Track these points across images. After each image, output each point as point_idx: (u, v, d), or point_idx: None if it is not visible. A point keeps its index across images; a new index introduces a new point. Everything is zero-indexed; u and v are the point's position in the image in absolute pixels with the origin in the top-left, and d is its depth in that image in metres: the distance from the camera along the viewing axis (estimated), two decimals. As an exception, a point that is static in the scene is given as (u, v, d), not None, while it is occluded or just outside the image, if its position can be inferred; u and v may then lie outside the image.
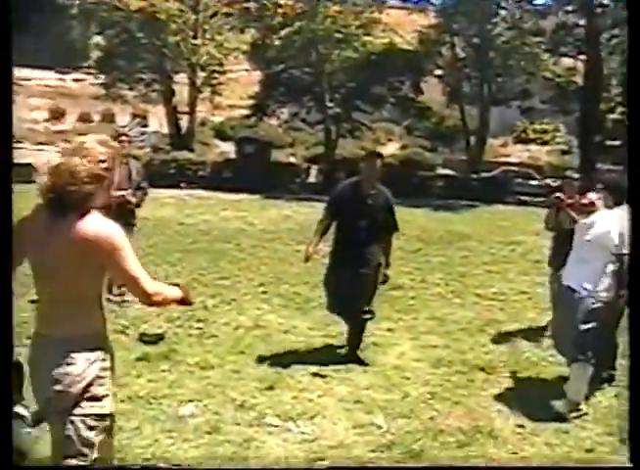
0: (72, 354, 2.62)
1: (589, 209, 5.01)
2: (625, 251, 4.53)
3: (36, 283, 2.72)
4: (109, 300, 7.17)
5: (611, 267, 4.64)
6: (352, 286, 5.39)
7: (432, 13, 28.34)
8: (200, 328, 6.23)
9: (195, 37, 24.75)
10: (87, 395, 2.64)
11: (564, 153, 34.23)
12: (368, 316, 5.58)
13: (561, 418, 4.55)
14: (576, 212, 5.70)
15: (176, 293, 2.80)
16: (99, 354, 2.68)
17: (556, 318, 5.04)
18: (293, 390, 4.81)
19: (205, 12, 25.14)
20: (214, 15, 25.47)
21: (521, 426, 4.42)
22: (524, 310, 7.74)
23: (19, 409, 3.03)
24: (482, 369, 5.49)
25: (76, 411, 2.63)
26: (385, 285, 5.93)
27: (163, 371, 5.00)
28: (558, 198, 6.33)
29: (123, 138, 7.13)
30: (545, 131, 36.71)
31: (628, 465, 2.89)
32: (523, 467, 4.04)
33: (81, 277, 2.63)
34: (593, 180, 23.59)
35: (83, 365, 2.63)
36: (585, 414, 4.62)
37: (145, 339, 5.66)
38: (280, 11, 25.83)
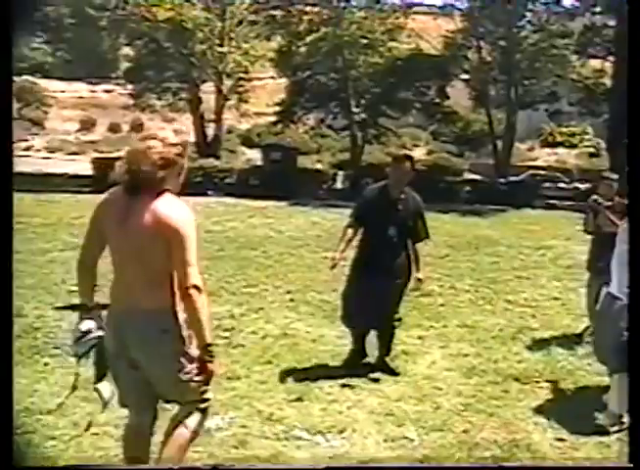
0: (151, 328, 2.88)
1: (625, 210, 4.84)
2: None
3: (114, 261, 2.97)
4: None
5: None
6: (381, 296, 5.23)
7: (457, 17, 28.09)
8: (226, 337, 6.14)
9: (221, 45, 24.82)
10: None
11: (592, 156, 33.67)
12: (397, 324, 5.47)
13: (602, 431, 4.38)
14: (616, 216, 5.51)
15: (206, 324, 2.90)
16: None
17: (598, 326, 4.85)
18: (321, 401, 4.70)
19: (231, 20, 25.22)
20: (240, 23, 25.53)
21: (560, 440, 4.26)
22: (557, 317, 7.54)
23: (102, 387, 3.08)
24: (517, 379, 5.34)
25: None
26: (414, 291, 5.80)
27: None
28: (596, 200, 6.18)
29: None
30: (573, 134, 36.15)
31: (628, 465, 2.85)
32: (523, 467, 3.96)
33: (155, 255, 2.86)
34: (624, 183, 23.11)
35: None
36: (623, 424, 4.43)
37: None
38: (305, 18, 25.81)
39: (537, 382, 5.31)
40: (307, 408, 4.58)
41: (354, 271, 5.40)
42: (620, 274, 4.64)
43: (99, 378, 3.06)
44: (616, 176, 6.48)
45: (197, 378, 2.97)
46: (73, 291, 7.52)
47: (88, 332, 3.01)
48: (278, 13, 26.46)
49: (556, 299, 8.42)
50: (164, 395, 3.09)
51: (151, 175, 2.84)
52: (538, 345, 6.34)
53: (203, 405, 3.09)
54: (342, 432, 4.26)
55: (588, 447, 4.18)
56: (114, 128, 42.94)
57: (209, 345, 2.92)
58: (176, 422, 3.08)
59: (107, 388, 3.07)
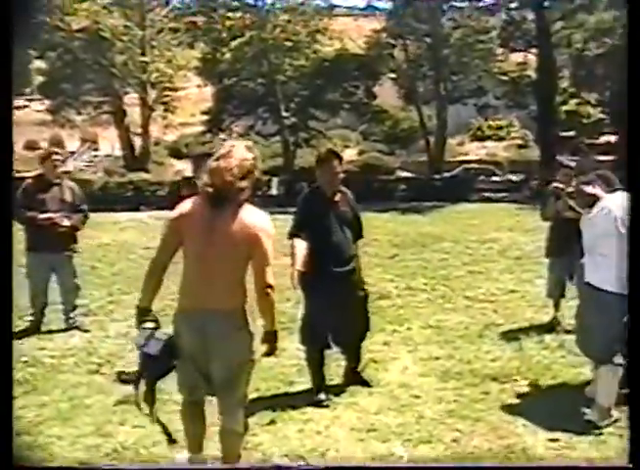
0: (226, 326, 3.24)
1: (592, 199, 4.67)
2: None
3: (192, 265, 3.26)
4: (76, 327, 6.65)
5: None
6: (343, 307, 4.76)
7: (380, 17, 28.24)
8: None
9: (143, 54, 24.09)
10: None
11: (520, 147, 34.45)
12: (365, 336, 5.12)
13: (593, 427, 4.17)
14: (576, 202, 5.36)
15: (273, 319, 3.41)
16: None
17: (581, 319, 4.66)
18: (297, 422, 4.33)
19: (151, 28, 24.51)
20: (161, 31, 24.86)
21: (554, 440, 4.03)
22: (518, 310, 7.40)
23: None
24: (495, 379, 5.10)
25: None
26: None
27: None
28: (557, 187, 6.11)
29: (55, 157, 6.60)
30: (500, 127, 36.91)
31: (628, 465, 2.78)
32: (523, 467, 3.83)
33: (239, 260, 3.22)
34: (555, 172, 23.68)
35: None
36: (617, 421, 4.24)
37: (124, 378, 5.08)
38: (228, 23, 25.38)
39: (516, 380, 5.08)
40: (283, 431, 4.20)
41: (307, 286, 4.75)
42: (594, 264, 4.48)
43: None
44: (573, 164, 6.42)
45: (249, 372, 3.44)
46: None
47: (152, 334, 3.30)
48: (199, 19, 25.95)
49: (513, 291, 8.29)
50: (220, 387, 3.36)
51: (233, 188, 3.18)
52: (507, 340, 6.15)
53: (242, 405, 3.47)
54: (324, 454, 3.90)
55: (584, 446, 3.95)
56: (30, 146, 41.19)
57: (276, 331, 3.43)
58: (224, 427, 3.44)
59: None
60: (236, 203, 3.20)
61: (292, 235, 4.72)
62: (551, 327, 6.42)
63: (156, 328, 3.32)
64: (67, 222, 6.40)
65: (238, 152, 3.27)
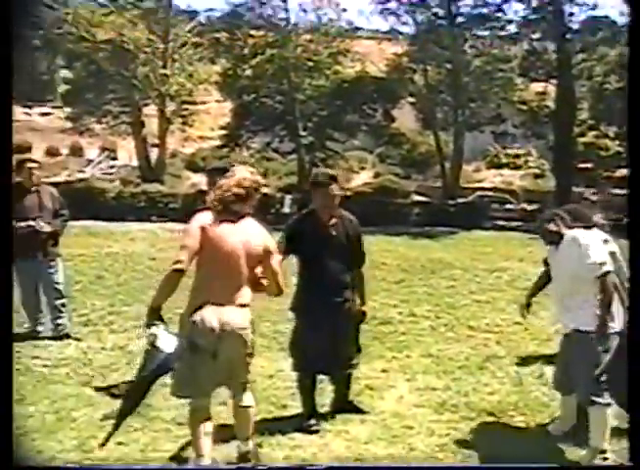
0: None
1: (557, 237, 4.56)
2: (610, 268, 4.19)
3: (210, 266, 3.74)
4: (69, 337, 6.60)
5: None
6: (335, 337, 4.68)
7: (402, 41, 28.31)
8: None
9: (164, 67, 24.27)
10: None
11: (537, 177, 34.24)
12: (355, 365, 5.02)
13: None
14: (546, 242, 5.16)
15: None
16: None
17: (559, 362, 4.61)
18: (283, 448, 4.24)
19: (174, 42, 24.71)
20: (184, 45, 25.05)
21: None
22: (522, 343, 7.27)
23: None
24: (491, 413, 4.99)
25: None
26: (374, 320, 5.40)
27: (135, 430, 4.39)
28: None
29: (32, 164, 6.64)
30: (517, 156, 36.74)
31: (628, 465, 2.89)
32: (523, 467, 3.85)
33: (250, 263, 3.80)
34: (570, 203, 23.55)
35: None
36: (606, 459, 4.11)
37: (114, 391, 5.02)
38: (250, 40, 25.55)
39: (512, 416, 4.97)
40: (269, 456, 4.12)
41: (297, 312, 4.75)
42: (564, 303, 4.44)
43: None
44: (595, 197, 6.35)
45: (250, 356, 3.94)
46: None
47: (164, 333, 3.76)
48: (222, 35, 26.14)
49: (518, 323, 8.11)
50: (229, 378, 3.89)
51: (245, 203, 3.83)
52: (507, 374, 6.03)
53: (248, 383, 4.01)
54: (308, 483, 3.81)
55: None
56: (51, 152, 41.64)
57: None
58: (238, 406, 3.97)
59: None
60: (244, 216, 3.82)
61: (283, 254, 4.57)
62: (553, 361, 6.28)
63: (165, 328, 3.77)
64: (47, 228, 6.44)
65: (239, 173, 3.89)
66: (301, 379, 4.85)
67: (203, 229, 3.75)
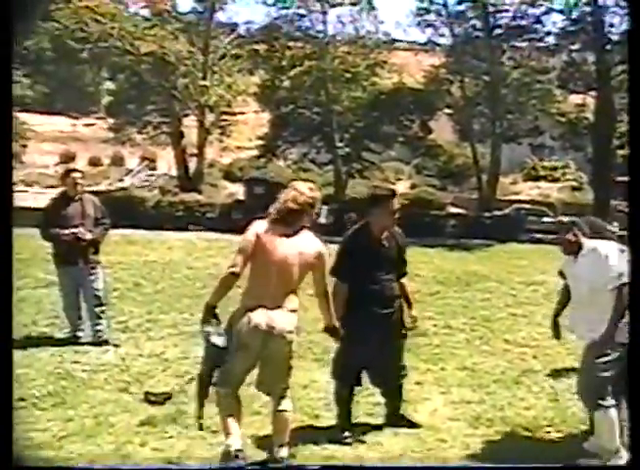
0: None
1: (576, 247, 4.53)
2: (624, 280, 4.17)
3: (262, 271, 3.98)
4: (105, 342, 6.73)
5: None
6: (384, 349, 4.73)
7: (439, 53, 28.29)
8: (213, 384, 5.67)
9: (204, 79, 24.66)
10: None
11: (574, 189, 33.84)
12: (404, 375, 5.04)
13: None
14: (565, 252, 5.11)
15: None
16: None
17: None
18: (316, 458, 4.26)
19: (214, 54, 25.10)
20: (224, 56, 25.43)
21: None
22: (558, 358, 7.16)
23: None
24: (526, 428, 4.93)
25: None
26: (408, 331, 5.40)
27: (171, 437, 4.46)
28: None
29: (75, 174, 6.85)
30: (555, 168, 36.38)
31: (628, 465, 2.95)
32: (523, 467, 3.86)
33: (301, 270, 4.03)
34: (608, 217, 23.24)
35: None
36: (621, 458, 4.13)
37: (151, 398, 5.10)
38: (289, 52, 25.80)
39: (548, 432, 4.91)
40: (302, 467, 4.14)
41: (346, 323, 4.58)
42: (579, 313, 4.48)
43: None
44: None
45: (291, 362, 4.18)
46: (44, 332, 7.10)
47: (218, 329, 3.96)
48: (261, 47, 26.45)
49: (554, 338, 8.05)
50: (271, 381, 4.13)
51: (301, 215, 4.02)
52: (543, 389, 5.96)
53: (288, 389, 4.19)
54: (341, 495, 3.82)
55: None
56: (94, 162, 42.52)
57: (335, 327, 4.26)
58: (277, 410, 4.14)
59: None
60: (299, 227, 4.02)
61: (334, 272, 4.61)
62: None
63: (219, 325, 3.99)
64: (89, 236, 6.62)
65: (297, 189, 4.09)
66: (339, 389, 4.86)
67: (257, 236, 3.98)
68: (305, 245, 4.02)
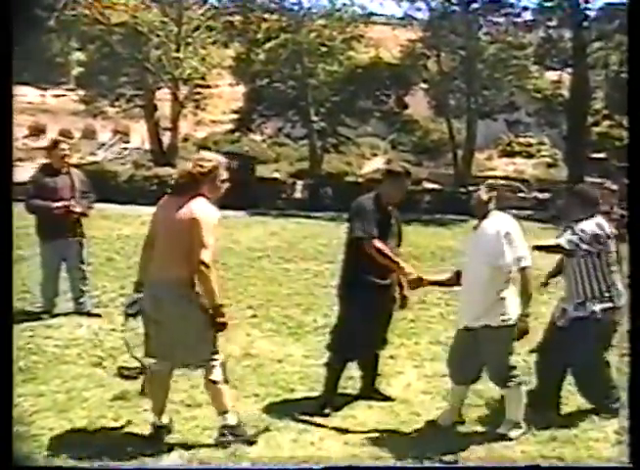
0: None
1: (482, 210, 4.49)
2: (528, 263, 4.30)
3: (155, 244, 4.11)
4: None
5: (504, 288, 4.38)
6: (379, 320, 4.80)
7: (416, 27, 28.11)
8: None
9: (178, 51, 24.20)
10: None
11: (549, 166, 34.06)
12: (383, 347, 5.08)
13: (504, 438, 4.32)
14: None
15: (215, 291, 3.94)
16: None
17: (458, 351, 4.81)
18: (291, 432, 4.28)
19: (188, 25, 24.61)
20: (198, 28, 24.94)
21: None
22: (533, 333, 7.23)
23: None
24: (499, 401, 4.99)
25: None
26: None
27: (145, 411, 4.44)
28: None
29: (62, 146, 6.76)
30: (530, 144, 36.54)
31: (628, 465, 2.86)
32: (523, 467, 3.87)
33: (176, 241, 3.95)
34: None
35: None
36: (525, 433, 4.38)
37: (124, 373, 5.05)
38: (264, 25, 25.44)
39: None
40: (276, 440, 4.15)
41: (348, 295, 4.75)
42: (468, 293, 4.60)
43: None
44: (616, 187, 6.32)
45: (209, 332, 3.97)
46: (15, 307, 6.99)
47: (137, 300, 4.11)
48: (236, 19, 26.04)
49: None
50: (183, 355, 4.03)
51: (193, 184, 4.02)
52: (517, 362, 6.02)
53: (216, 360, 4.06)
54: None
55: None
56: (64, 134, 41.74)
57: (220, 305, 3.96)
58: (207, 382, 4.08)
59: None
60: (187, 197, 3.97)
61: (371, 237, 4.59)
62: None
63: (138, 299, 4.14)
64: (79, 209, 6.56)
65: (194, 157, 4.22)
66: (333, 361, 4.84)
67: (155, 209, 4.20)
68: (184, 213, 3.96)
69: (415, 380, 5.48)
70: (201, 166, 4.04)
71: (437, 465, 3.81)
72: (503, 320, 4.31)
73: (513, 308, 4.35)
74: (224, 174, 4.18)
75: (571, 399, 5.03)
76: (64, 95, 45.02)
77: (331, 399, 4.74)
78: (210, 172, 4.07)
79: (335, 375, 4.83)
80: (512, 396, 4.50)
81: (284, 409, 4.63)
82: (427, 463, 3.92)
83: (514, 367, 4.53)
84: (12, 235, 2.71)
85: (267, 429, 4.25)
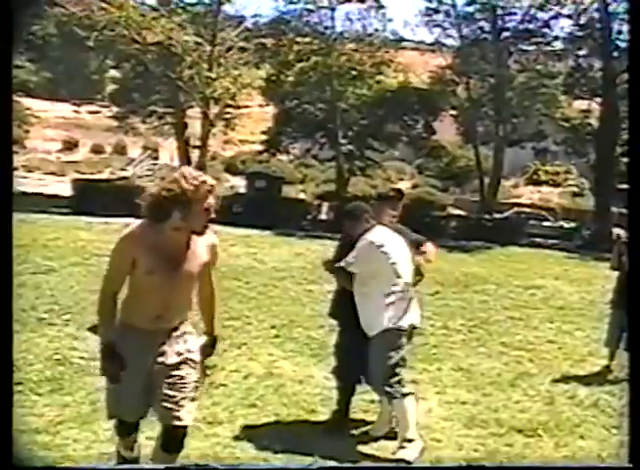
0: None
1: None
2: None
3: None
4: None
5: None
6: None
7: (446, 53, 28.27)
8: (207, 375, 5.69)
9: (210, 70, 24.61)
10: None
11: (575, 195, 33.87)
12: None
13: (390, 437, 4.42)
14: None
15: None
16: None
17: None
18: (315, 451, 4.28)
19: (221, 46, 25.05)
20: (230, 49, 25.37)
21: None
22: (554, 362, 7.20)
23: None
24: (520, 431, 4.95)
25: None
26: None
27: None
28: (618, 235, 6.10)
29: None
30: (557, 173, 36.40)
31: (628, 465, 2.67)
32: (523, 467, 3.83)
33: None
34: (609, 224, 23.27)
35: None
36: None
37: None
38: (295, 47, 25.77)
39: (540, 436, 4.93)
40: (295, 460, 4.15)
41: (347, 316, 4.67)
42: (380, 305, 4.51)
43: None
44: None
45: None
46: (43, 318, 7.11)
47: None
48: (268, 41, 26.42)
49: (551, 342, 8.08)
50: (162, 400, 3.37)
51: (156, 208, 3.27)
52: (539, 393, 5.98)
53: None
54: (334, 490, 3.83)
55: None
56: (96, 150, 42.50)
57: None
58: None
59: None
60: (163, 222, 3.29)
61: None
62: (587, 382, 6.26)
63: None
64: None
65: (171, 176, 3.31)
66: (342, 386, 4.85)
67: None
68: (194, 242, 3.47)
69: (436, 406, 5.44)
70: (168, 190, 3.19)
71: (438, 465, 3.86)
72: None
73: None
74: (208, 199, 3.32)
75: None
76: (97, 111, 45.83)
77: (340, 423, 4.74)
78: (182, 195, 3.18)
79: (344, 399, 4.83)
80: (396, 407, 4.43)
81: (304, 431, 4.63)
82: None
83: (395, 377, 4.43)
84: (11, 245, 2.76)
85: (286, 450, 4.24)
